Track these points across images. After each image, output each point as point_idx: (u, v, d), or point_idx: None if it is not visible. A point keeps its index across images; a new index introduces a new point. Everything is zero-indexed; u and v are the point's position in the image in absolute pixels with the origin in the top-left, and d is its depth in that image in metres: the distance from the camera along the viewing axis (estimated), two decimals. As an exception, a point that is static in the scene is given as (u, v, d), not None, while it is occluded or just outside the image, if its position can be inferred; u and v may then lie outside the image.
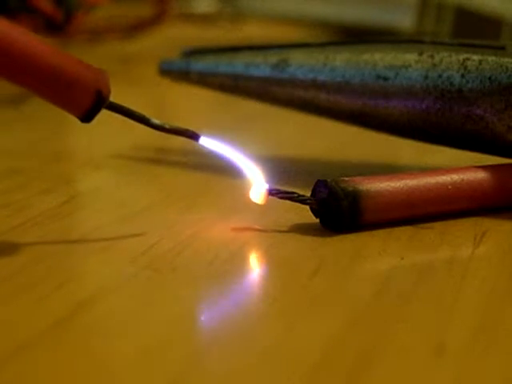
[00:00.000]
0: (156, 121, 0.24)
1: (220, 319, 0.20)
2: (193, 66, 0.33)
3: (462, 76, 0.28)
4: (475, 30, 0.64)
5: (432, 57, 0.29)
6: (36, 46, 0.21)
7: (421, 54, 0.29)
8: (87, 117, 0.22)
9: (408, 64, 0.29)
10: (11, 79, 0.21)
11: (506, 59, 0.28)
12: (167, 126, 0.24)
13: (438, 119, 0.29)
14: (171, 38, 0.63)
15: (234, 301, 0.21)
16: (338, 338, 0.18)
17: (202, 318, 0.20)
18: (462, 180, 0.26)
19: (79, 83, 0.22)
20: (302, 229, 0.25)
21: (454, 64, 0.28)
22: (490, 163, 0.28)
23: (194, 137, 0.24)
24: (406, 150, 0.37)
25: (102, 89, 0.22)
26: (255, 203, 0.25)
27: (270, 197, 0.25)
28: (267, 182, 0.25)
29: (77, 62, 0.22)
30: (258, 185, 0.25)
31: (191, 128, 0.24)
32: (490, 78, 0.27)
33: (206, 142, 0.24)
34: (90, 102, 0.22)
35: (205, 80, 0.33)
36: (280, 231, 0.25)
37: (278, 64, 0.31)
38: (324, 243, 0.24)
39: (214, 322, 0.19)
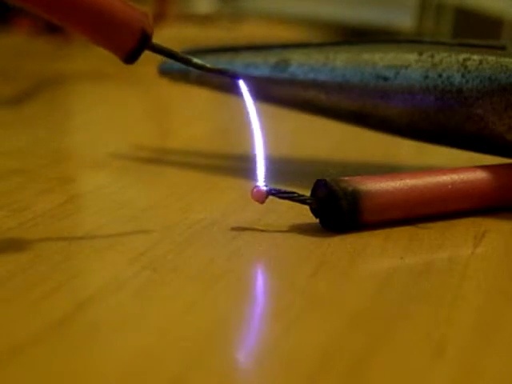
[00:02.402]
0: (198, 60, 0.24)
1: (220, 319, 0.20)
2: (193, 66, 0.33)
3: (462, 76, 0.28)
4: (475, 29, 0.64)
5: (432, 57, 0.29)
6: None
7: (421, 53, 0.29)
8: (131, 57, 0.22)
9: (408, 64, 0.29)
10: (58, 18, 0.21)
11: (506, 59, 0.28)
12: (208, 65, 0.24)
13: (438, 119, 0.29)
14: (171, 38, 0.63)
15: (234, 301, 0.21)
16: (337, 338, 0.18)
17: (202, 319, 0.20)
18: (462, 180, 0.26)
19: (125, 22, 0.22)
20: (301, 229, 0.25)
21: (453, 64, 0.28)
22: (490, 163, 0.28)
23: (234, 77, 0.25)
24: (406, 150, 0.37)
25: (146, 29, 0.22)
26: (255, 203, 0.25)
27: (270, 197, 0.25)
28: (267, 182, 0.25)
29: (122, 1, 0.22)
30: (257, 185, 0.25)
31: (191, 127, 0.24)
32: (490, 78, 0.27)
33: (244, 86, 0.25)
34: (135, 42, 0.22)
35: (205, 80, 0.33)
36: (280, 231, 0.25)
37: (277, 64, 0.31)
38: (324, 243, 0.24)
39: (213, 323, 0.19)
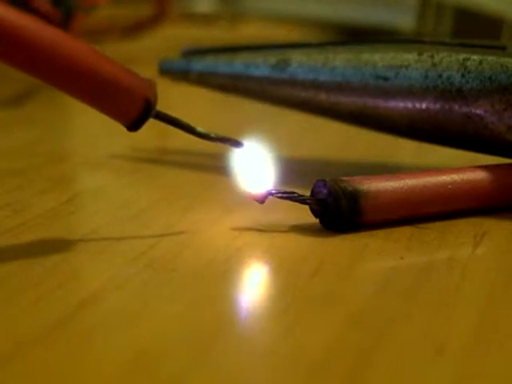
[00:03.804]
0: (201, 130, 0.24)
1: (220, 319, 0.20)
2: (193, 66, 0.33)
3: (462, 76, 0.28)
4: (475, 29, 0.64)
5: (432, 57, 0.29)
6: (85, 51, 0.21)
7: (421, 54, 0.29)
8: (135, 125, 0.22)
9: (408, 64, 0.29)
10: (58, 86, 0.21)
11: (506, 59, 0.28)
12: (212, 135, 0.24)
13: (437, 119, 0.29)
14: (171, 38, 0.63)
15: (234, 301, 0.21)
16: (337, 337, 0.18)
17: (202, 318, 0.20)
18: (462, 180, 0.26)
19: (129, 91, 0.22)
20: (301, 229, 0.25)
21: (453, 64, 0.28)
22: (490, 163, 0.28)
23: (238, 145, 0.25)
24: (406, 149, 0.37)
25: (150, 97, 0.22)
26: (255, 203, 0.25)
27: (270, 197, 0.25)
28: (267, 181, 0.25)
29: (126, 70, 0.22)
30: (258, 185, 0.25)
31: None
32: (490, 78, 0.27)
33: (249, 150, 0.25)
34: (138, 111, 0.22)
35: (205, 80, 0.33)
36: (280, 231, 0.25)
37: (277, 64, 0.31)
38: (324, 243, 0.24)
39: (213, 322, 0.19)
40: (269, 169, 0.25)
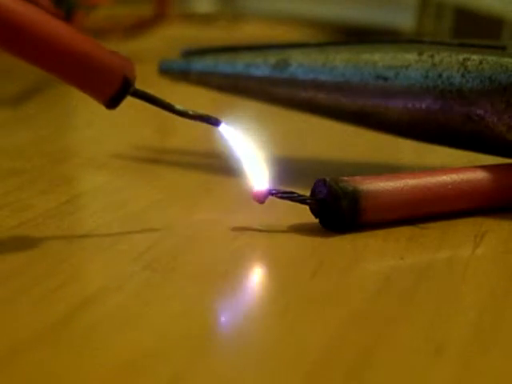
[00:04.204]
0: (180, 107, 0.24)
1: (220, 319, 0.20)
2: (193, 66, 0.33)
3: (462, 76, 0.28)
4: (475, 29, 0.64)
5: (432, 57, 0.29)
6: (64, 30, 0.21)
7: (421, 53, 0.29)
8: (112, 103, 0.23)
9: (408, 64, 0.29)
10: (39, 64, 0.21)
11: (506, 59, 0.28)
12: (191, 112, 0.24)
13: (437, 119, 0.29)
14: (171, 37, 0.63)
15: (234, 301, 0.21)
16: (337, 337, 0.18)
17: (202, 318, 0.20)
18: (462, 180, 0.26)
19: (107, 69, 0.22)
20: (301, 229, 0.25)
21: (453, 64, 0.28)
22: (490, 163, 0.28)
23: (216, 123, 0.24)
24: (406, 149, 0.37)
25: (128, 75, 0.22)
26: (255, 203, 0.25)
27: (270, 197, 0.25)
28: (267, 181, 0.25)
29: (104, 48, 0.22)
30: (258, 185, 0.25)
31: (191, 127, 0.24)
32: (490, 78, 0.27)
33: (226, 130, 0.25)
34: (116, 88, 0.22)
35: (205, 80, 0.33)
36: (280, 231, 0.25)
37: (277, 64, 0.31)
38: (324, 243, 0.24)
39: (214, 322, 0.19)
40: (269, 169, 0.25)
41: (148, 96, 0.23)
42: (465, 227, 0.26)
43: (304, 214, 0.25)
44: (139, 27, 0.62)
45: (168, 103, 0.24)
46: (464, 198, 0.26)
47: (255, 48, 0.33)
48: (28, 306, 0.19)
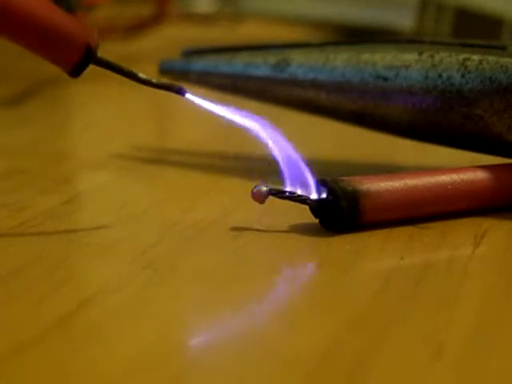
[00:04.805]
0: (143, 75, 0.24)
1: (220, 319, 0.20)
2: (193, 65, 0.33)
3: (462, 76, 0.28)
4: (475, 29, 0.64)
5: (432, 57, 0.29)
6: None
7: (421, 53, 0.29)
8: (75, 71, 0.23)
9: (408, 64, 0.29)
10: (1, 31, 0.22)
11: (506, 59, 0.28)
12: (154, 81, 0.24)
13: (437, 119, 0.29)
14: (171, 37, 0.63)
15: (234, 301, 0.21)
16: (337, 337, 0.18)
17: (202, 318, 0.20)
18: (462, 180, 0.26)
19: (69, 37, 0.22)
20: (301, 229, 0.25)
21: (453, 64, 0.28)
22: (490, 163, 0.28)
23: (180, 91, 0.25)
24: (406, 149, 0.37)
25: (91, 43, 0.22)
26: (255, 203, 0.25)
27: (270, 197, 0.25)
28: (267, 181, 0.25)
29: (67, 16, 0.22)
30: (258, 185, 0.25)
31: (191, 127, 0.24)
32: (490, 78, 0.27)
33: (192, 98, 0.25)
34: (79, 56, 0.22)
35: (205, 80, 0.33)
36: (280, 231, 0.25)
37: (277, 64, 0.31)
38: (324, 243, 0.24)
39: (214, 322, 0.19)
40: (268, 169, 0.25)
41: (111, 64, 0.24)
42: (465, 227, 0.26)
43: (304, 214, 0.25)
44: (139, 27, 0.62)
45: (131, 71, 0.24)
46: (464, 198, 0.26)
47: (255, 48, 0.33)
48: (28, 306, 0.19)
